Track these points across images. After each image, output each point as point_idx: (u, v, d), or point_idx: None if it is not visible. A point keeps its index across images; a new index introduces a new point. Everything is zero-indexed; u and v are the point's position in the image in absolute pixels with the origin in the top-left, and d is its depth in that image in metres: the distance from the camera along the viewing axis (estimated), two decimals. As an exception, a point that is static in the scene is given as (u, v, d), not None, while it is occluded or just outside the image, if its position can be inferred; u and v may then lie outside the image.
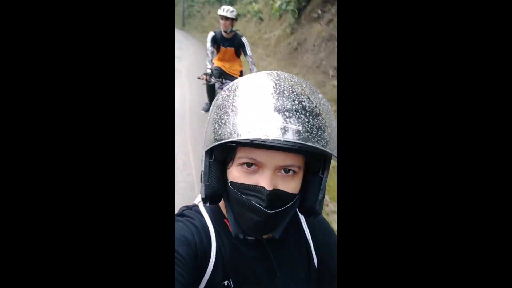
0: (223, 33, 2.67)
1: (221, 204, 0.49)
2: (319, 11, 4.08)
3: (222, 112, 0.41)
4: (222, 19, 2.57)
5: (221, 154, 0.45)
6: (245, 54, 2.70)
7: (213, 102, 0.46)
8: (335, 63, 3.52)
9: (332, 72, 3.49)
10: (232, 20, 2.60)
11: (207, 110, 3.08)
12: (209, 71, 2.62)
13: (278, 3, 4.96)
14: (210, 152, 0.45)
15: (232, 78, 2.78)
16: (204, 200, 0.46)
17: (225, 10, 2.55)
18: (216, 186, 0.45)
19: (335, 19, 3.71)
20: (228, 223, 0.48)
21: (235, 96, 0.42)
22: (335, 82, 3.34)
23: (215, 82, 2.64)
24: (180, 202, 1.82)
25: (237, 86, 0.43)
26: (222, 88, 2.65)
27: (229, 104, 0.41)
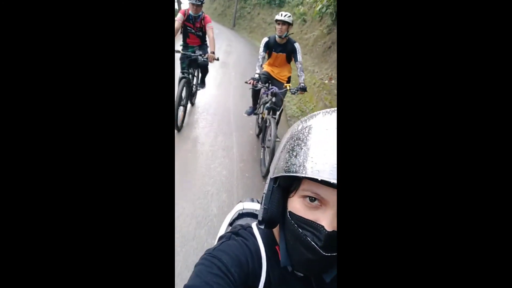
0: (277, 39, 2.73)
1: (275, 229, 0.50)
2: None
3: (296, 144, 0.42)
4: (279, 24, 2.63)
5: (285, 182, 0.45)
6: (296, 59, 2.76)
7: (290, 129, 0.47)
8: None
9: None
10: (288, 25, 2.64)
11: (249, 113, 3.24)
12: (257, 76, 2.71)
13: (319, 6, 5.48)
14: (275, 177, 0.45)
15: (279, 83, 2.87)
16: (261, 223, 0.47)
17: (283, 15, 2.62)
18: (275, 212, 0.45)
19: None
20: (279, 251, 0.47)
21: (310, 130, 0.42)
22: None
23: (261, 87, 2.73)
24: (221, 195, 2.37)
25: (311, 124, 0.43)
26: (267, 94, 2.69)
27: (304, 137, 0.41)
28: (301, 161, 0.40)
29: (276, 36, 2.73)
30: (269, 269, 0.48)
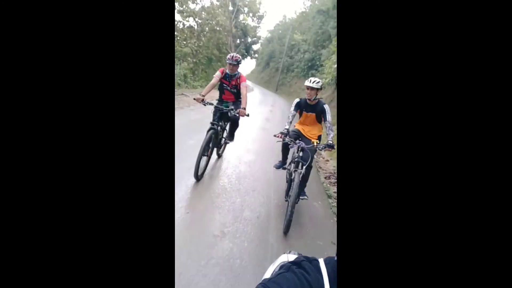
0: (308, 101, 2.87)
1: None
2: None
3: None
4: (308, 89, 2.77)
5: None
6: (325, 119, 2.84)
7: None
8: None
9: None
10: (317, 90, 2.78)
11: (278, 167, 3.19)
12: (285, 130, 2.80)
13: (327, 79, 9.33)
14: None
15: (308, 141, 2.92)
16: None
17: (311, 82, 2.76)
18: None
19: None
20: None
21: None
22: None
23: (289, 142, 2.78)
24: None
25: None
26: (296, 148, 2.74)
27: None
28: None
29: (307, 98, 2.90)
30: None
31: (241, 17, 22.71)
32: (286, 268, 0.49)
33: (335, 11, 12.37)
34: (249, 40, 24.99)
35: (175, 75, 9.23)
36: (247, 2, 22.86)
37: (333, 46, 10.49)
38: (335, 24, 12.84)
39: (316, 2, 19.12)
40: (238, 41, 22.70)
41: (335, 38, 10.79)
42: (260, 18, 24.90)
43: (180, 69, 9.87)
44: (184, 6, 13.23)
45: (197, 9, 15.93)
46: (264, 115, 8.66)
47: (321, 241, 2.53)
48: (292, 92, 17.85)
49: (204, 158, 3.11)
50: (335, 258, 0.45)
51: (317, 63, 15.73)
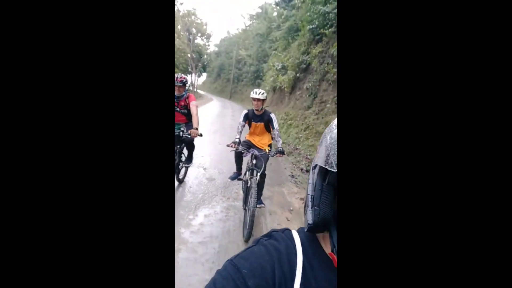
0: (255, 111, 2.98)
1: (321, 235, 0.48)
2: (279, 93, 12.48)
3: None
4: (254, 100, 2.88)
5: (336, 179, 0.42)
6: (273, 127, 2.99)
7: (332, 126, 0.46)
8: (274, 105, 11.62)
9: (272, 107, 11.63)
10: (263, 101, 2.91)
11: (233, 178, 3.26)
12: (237, 140, 2.88)
13: (267, 87, 13.52)
14: (323, 175, 0.43)
15: (260, 150, 3.03)
16: (311, 227, 0.44)
17: (257, 93, 2.90)
18: (329, 213, 0.43)
19: (286, 97, 11.95)
20: (334, 258, 0.43)
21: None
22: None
23: (242, 151, 2.86)
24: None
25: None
26: (250, 156, 2.84)
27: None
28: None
29: (254, 109, 2.99)
30: (307, 276, 0.44)
31: (192, 38, 26.13)
32: (255, 241, 0.49)
33: (271, 35, 16.68)
34: (204, 58, 28.48)
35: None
36: (195, 24, 26.35)
37: (270, 62, 14.68)
38: (271, 44, 17.23)
39: (254, 22, 23.61)
40: (196, 62, 25.98)
41: (271, 55, 15.02)
42: (208, 37, 28.61)
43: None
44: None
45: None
46: (228, 116, 12.52)
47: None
48: (244, 99, 21.90)
49: None
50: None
51: (261, 74, 20.04)
